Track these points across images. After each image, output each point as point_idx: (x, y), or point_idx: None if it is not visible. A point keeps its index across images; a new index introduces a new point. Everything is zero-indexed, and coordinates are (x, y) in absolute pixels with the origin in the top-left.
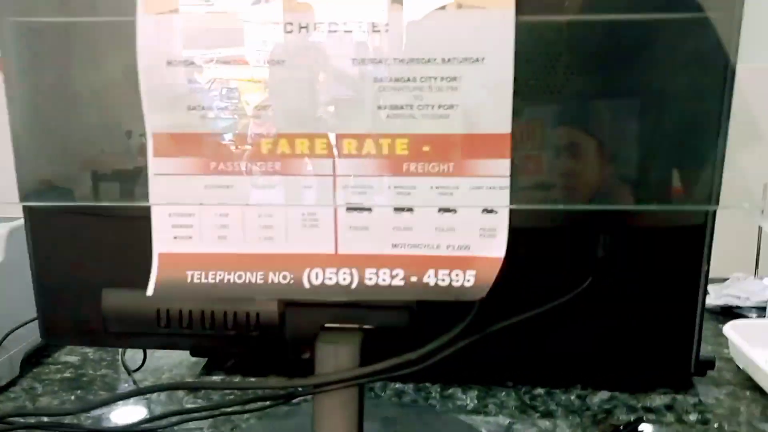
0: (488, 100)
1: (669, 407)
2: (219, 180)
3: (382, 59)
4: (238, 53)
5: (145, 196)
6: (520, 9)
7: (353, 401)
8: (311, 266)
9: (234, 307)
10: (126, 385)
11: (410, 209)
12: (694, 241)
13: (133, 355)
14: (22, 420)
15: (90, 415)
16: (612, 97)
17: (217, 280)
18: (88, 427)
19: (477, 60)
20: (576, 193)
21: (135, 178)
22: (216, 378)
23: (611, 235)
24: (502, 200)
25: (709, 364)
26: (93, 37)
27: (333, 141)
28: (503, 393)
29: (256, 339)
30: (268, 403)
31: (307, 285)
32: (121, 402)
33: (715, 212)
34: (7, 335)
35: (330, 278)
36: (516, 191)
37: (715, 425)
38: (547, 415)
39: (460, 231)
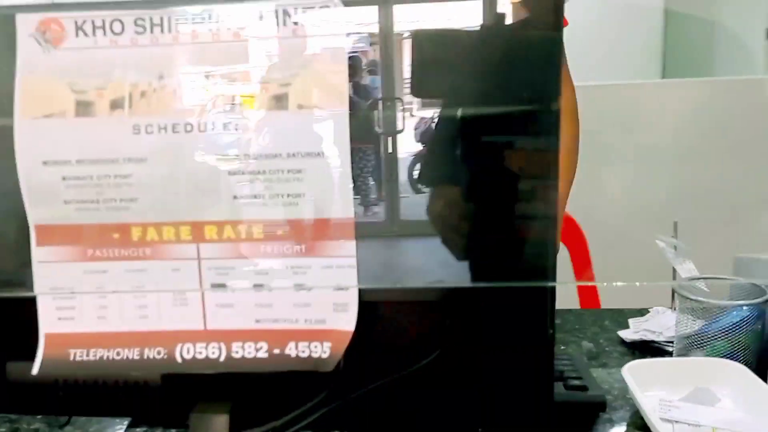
0: (331, 188)
1: None
2: (95, 266)
3: (234, 155)
4: (105, 153)
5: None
6: (355, 105)
7: None
8: (183, 341)
9: (124, 376)
10: None
11: (269, 288)
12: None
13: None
14: None
15: None
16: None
17: (98, 357)
18: None
19: (318, 154)
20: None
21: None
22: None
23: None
24: (350, 278)
25: (600, 405)
26: None
27: (196, 228)
28: None
29: (146, 403)
30: None
31: (179, 359)
32: None
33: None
34: None
35: (200, 352)
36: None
37: None
38: None
39: (315, 306)
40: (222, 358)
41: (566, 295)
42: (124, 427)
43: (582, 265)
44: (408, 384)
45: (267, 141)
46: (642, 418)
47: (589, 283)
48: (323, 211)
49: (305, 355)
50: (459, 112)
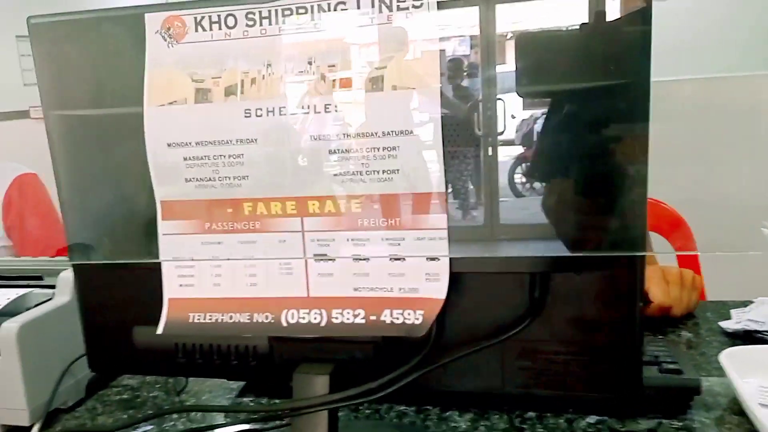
0: (423, 164)
1: (652, 431)
2: (211, 238)
3: (334, 135)
4: (220, 135)
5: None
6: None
7: (323, 425)
8: (288, 307)
9: (235, 341)
10: (167, 407)
11: (366, 258)
12: (628, 280)
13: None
14: None
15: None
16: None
17: (213, 320)
18: None
19: (411, 132)
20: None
21: (149, 236)
22: (247, 399)
23: (548, 278)
24: (442, 250)
25: (695, 389)
26: (117, 124)
27: (300, 203)
28: (496, 416)
29: (254, 367)
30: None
31: (285, 324)
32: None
33: (644, 257)
34: (71, 363)
35: (303, 318)
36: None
37: None
38: None
39: (409, 276)
40: (323, 323)
41: None
42: (235, 393)
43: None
44: (497, 353)
45: (364, 121)
46: (739, 404)
47: (689, 253)
48: (416, 185)
49: (399, 321)
50: (566, 108)
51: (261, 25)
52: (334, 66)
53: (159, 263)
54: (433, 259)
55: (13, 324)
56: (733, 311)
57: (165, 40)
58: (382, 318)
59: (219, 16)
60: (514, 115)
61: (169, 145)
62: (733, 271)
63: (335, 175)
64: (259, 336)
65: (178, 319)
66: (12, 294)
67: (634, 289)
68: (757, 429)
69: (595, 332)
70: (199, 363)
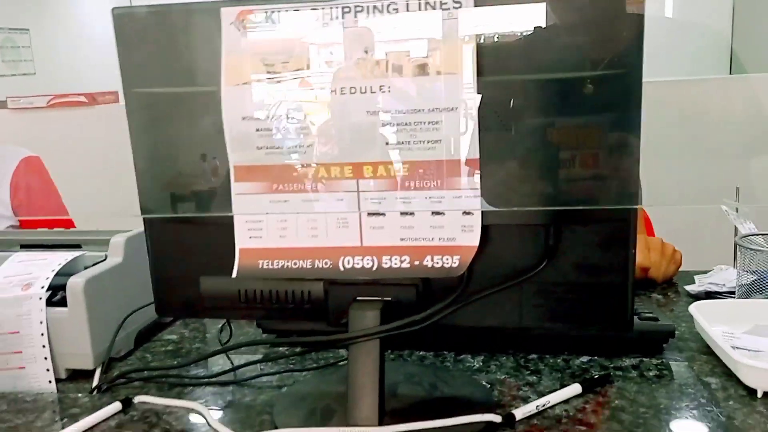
0: (461, 136)
1: (635, 367)
2: (279, 197)
3: (386, 110)
4: (292, 106)
5: (227, 208)
6: (480, 73)
7: (375, 351)
8: (344, 255)
9: (292, 287)
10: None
11: (411, 213)
12: (623, 231)
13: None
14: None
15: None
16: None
17: (280, 266)
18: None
19: (452, 109)
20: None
21: (219, 195)
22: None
23: (560, 228)
24: (475, 206)
25: (671, 333)
26: (191, 100)
27: (356, 168)
28: (504, 357)
29: (307, 311)
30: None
31: (341, 268)
32: (212, 360)
33: (636, 210)
34: (126, 317)
35: (358, 263)
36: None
37: (669, 379)
38: (535, 372)
39: (447, 227)
40: (374, 268)
41: None
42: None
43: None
44: (516, 293)
45: (412, 99)
46: (707, 346)
47: (636, 207)
48: (454, 153)
49: (439, 265)
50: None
51: (323, 18)
52: (387, 53)
53: (228, 219)
54: (467, 213)
55: (79, 279)
56: (696, 277)
57: (239, 30)
58: (425, 262)
59: (287, 10)
60: None
61: (243, 118)
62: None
63: (387, 143)
64: (315, 282)
65: (250, 266)
66: (68, 255)
67: (627, 238)
68: (726, 364)
69: (596, 275)
70: (258, 307)
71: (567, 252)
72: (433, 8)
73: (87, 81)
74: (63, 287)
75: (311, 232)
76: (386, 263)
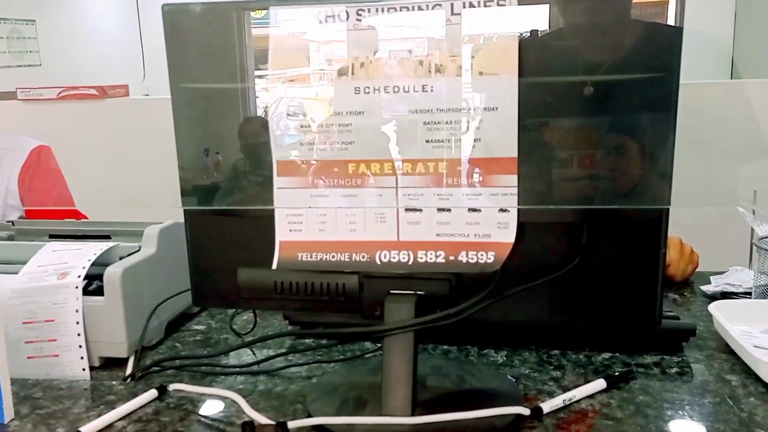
0: (501, 135)
1: (657, 364)
2: (319, 191)
3: (428, 109)
4: (334, 108)
5: (268, 202)
6: (521, 74)
7: (410, 343)
8: (381, 249)
9: (327, 280)
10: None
11: (449, 210)
12: (654, 231)
13: (244, 326)
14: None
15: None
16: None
17: (318, 259)
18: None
19: (493, 109)
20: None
21: (260, 190)
22: (308, 340)
23: (593, 227)
24: (512, 203)
25: (691, 332)
26: (235, 96)
27: (396, 164)
28: (527, 353)
29: (340, 303)
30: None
31: (378, 262)
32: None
33: (668, 210)
34: (158, 305)
35: (394, 257)
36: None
37: (690, 376)
38: (559, 368)
39: (483, 225)
40: (410, 262)
41: None
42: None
43: None
44: (546, 288)
45: (453, 98)
46: (726, 345)
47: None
48: (493, 151)
49: (473, 261)
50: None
51: (369, 20)
52: (429, 54)
53: (267, 212)
54: (504, 210)
55: (117, 269)
56: (712, 277)
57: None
58: (460, 258)
59: (333, 10)
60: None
61: (288, 115)
62: (714, 246)
63: (427, 141)
64: (349, 275)
65: (289, 258)
66: (103, 246)
67: (659, 237)
68: (746, 362)
69: (627, 272)
70: (293, 299)
71: (599, 249)
72: (476, 7)
73: (92, 73)
74: (98, 277)
75: (350, 227)
76: (422, 258)
